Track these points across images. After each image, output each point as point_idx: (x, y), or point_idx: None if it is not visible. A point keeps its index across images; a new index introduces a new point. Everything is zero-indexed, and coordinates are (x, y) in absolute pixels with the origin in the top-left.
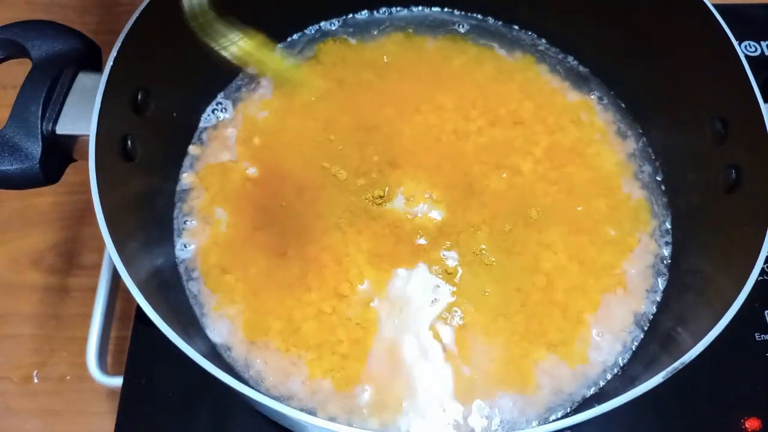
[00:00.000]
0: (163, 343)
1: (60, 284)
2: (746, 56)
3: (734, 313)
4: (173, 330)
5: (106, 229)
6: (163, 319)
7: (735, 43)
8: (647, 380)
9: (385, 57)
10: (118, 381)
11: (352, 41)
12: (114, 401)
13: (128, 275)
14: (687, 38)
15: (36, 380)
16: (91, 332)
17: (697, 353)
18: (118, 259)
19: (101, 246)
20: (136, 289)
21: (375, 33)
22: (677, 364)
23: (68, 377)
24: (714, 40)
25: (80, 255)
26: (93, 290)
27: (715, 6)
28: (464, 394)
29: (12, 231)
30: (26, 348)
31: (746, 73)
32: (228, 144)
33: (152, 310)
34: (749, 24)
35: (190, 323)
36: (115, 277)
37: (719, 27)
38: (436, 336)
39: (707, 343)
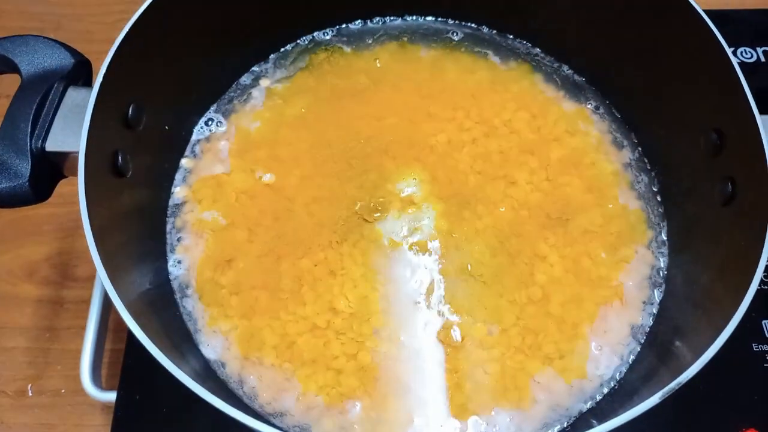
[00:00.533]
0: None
1: (54, 296)
2: (742, 62)
3: (733, 328)
4: (165, 347)
5: (95, 248)
6: (153, 339)
7: (729, 52)
8: (645, 398)
9: (377, 62)
10: (112, 396)
11: (347, 49)
12: (110, 414)
13: (117, 296)
14: (681, 47)
15: (30, 393)
16: (84, 348)
17: (695, 372)
18: (107, 279)
19: None
20: (125, 310)
21: (369, 42)
22: (674, 384)
23: (63, 390)
24: (708, 50)
25: (75, 267)
26: (87, 302)
27: (711, 12)
28: (460, 409)
29: (6, 242)
30: (20, 361)
31: (741, 83)
32: (221, 156)
33: (141, 330)
34: (745, 30)
35: (183, 340)
36: None
37: (713, 36)
38: (432, 350)
39: (706, 361)
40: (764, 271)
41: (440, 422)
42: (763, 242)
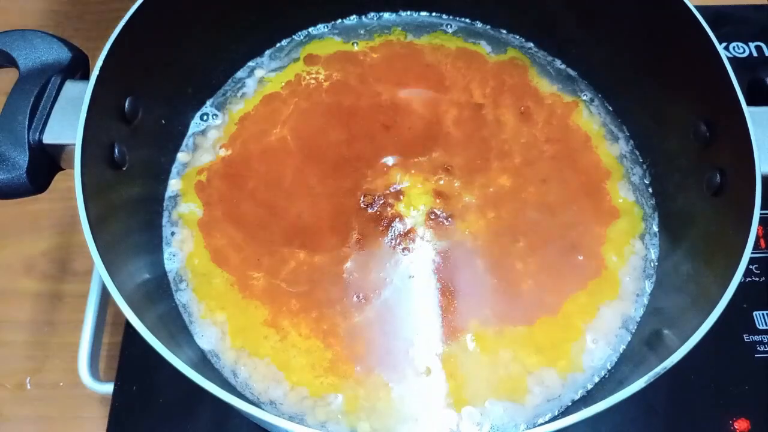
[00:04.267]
0: (154, 349)
1: (53, 290)
2: (734, 58)
3: (717, 316)
4: (161, 339)
5: (92, 239)
6: (150, 329)
7: (717, 45)
8: (632, 383)
9: (367, 49)
10: (109, 387)
11: (338, 39)
12: (107, 407)
13: (114, 286)
14: (670, 41)
15: (29, 387)
16: (82, 340)
17: (681, 357)
18: (104, 270)
19: None
20: (123, 300)
21: (362, 32)
22: (659, 369)
23: (61, 383)
24: (697, 43)
25: (73, 261)
26: (86, 296)
27: (705, 8)
28: (455, 400)
29: (5, 237)
30: (19, 355)
31: (729, 75)
32: (217, 150)
33: (138, 321)
34: (737, 25)
35: (179, 330)
36: None
37: (702, 29)
38: (427, 341)
39: (691, 346)
40: (755, 263)
41: (435, 412)
42: (749, 230)
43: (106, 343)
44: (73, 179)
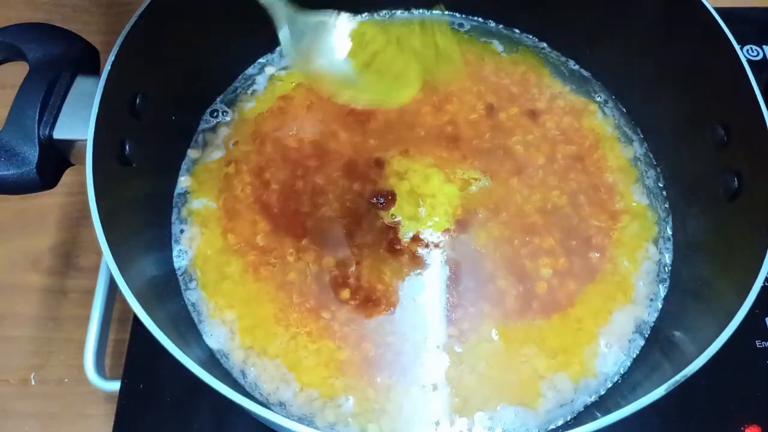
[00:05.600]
0: (161, 346)
1: (58, 286)
2: (748, 60)
3: (738, 323)
4: (170, 337)
5: (104, 236)
6: (159, 327)
7: (737, 47)
8: (649, 391)
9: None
10: (115, 385)
11: None
12: (113, 404)
13: (125, 283)
14: (688, 43)
15: (33, 382)
16: (88, 337)
17: (701, 365)
18: (115, 266)
19: (100, 248)
20: (133, 296)
21: None
22: (679, 377)
23: (66, 379)
24: (716, 45)
25: (79, 257)
26: (91, 292)
27: (717, 9)
28: (466, 404)
29: (11, 232)
30: (24, 350)
31: (748, 78)
32: (227, 146)
33: (148, 317)
34: (751, 27)
35: (188, 329)
36: (113, 279)
37: (721, 31)
38: (439, 344)
39: (710, 355)
40: None
41: (446, 416)
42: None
43: (112, 339)
44: (78, 174)
